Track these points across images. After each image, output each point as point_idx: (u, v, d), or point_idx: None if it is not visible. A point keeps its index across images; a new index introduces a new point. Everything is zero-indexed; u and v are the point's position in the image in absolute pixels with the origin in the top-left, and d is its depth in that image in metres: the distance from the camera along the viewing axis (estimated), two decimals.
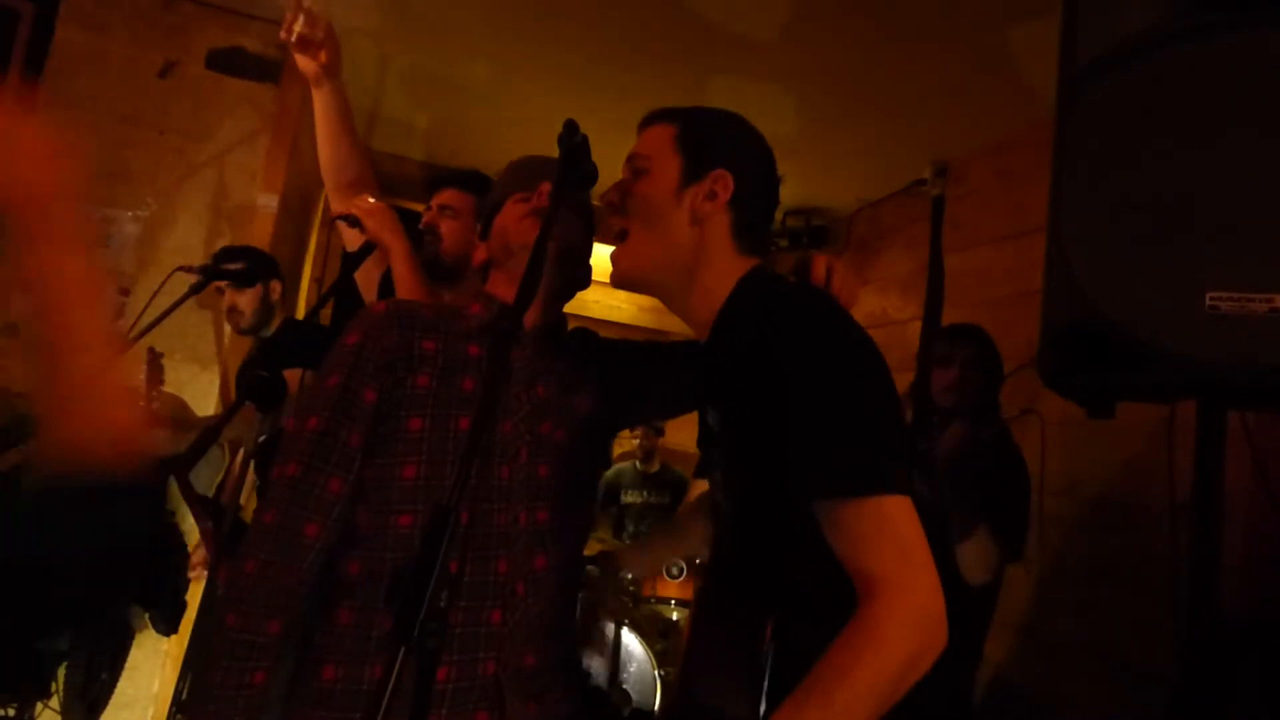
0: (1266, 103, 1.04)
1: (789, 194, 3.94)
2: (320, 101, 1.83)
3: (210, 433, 1.46)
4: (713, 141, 1.11)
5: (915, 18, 2.32)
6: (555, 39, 2.74)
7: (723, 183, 1.09)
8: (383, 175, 3.99)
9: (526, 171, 1.29)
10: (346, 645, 1.07)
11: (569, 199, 1.17)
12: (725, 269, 1.10)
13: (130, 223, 2.58)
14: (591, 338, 1.37)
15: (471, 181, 1.83)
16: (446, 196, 1.80)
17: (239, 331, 2.61)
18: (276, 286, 2.64)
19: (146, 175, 2.62)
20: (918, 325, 2.86)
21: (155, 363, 2.20)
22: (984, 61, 2.47)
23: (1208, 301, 1.03)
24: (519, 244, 1.21)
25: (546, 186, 1.20)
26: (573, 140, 1.06)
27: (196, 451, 1.45)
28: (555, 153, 1.08)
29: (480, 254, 1.30)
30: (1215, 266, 1.04)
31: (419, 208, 1.87)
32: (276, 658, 1.02)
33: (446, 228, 1.75)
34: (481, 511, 1.11)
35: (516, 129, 3.49)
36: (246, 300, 2.50)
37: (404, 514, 1.08)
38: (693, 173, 1.09)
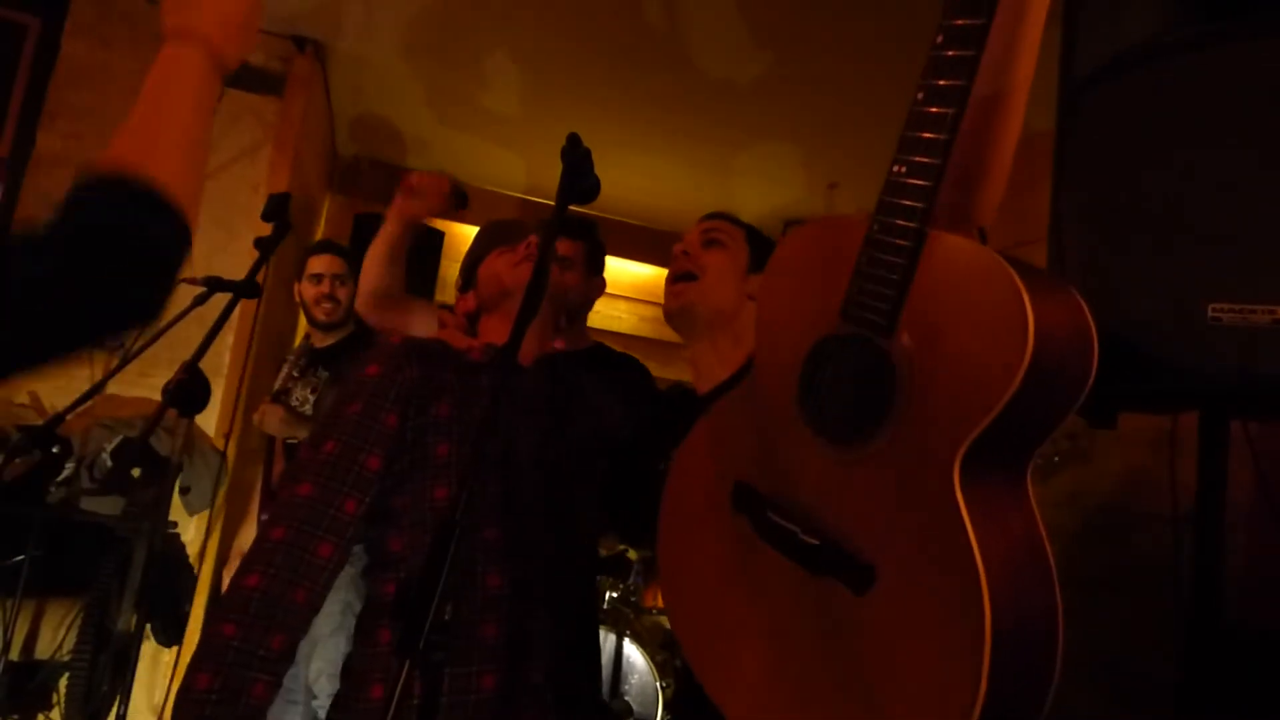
0: (1267, 112, 1.04)
1: (790, 205, 3.96)
2: (400, 235, 1.77)
3: (140, 441, 1.48)
4: (770, 253, 1.34)
5: (914, 26, 2.33)
6: (566, 59, 2.76)
7: None
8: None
9: (505, 230, 1.41)
10: (393, 662, 1.08)
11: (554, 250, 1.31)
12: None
13: None
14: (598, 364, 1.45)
15: (583, 229, 1.85)
16: (563, 247, 1.81)
17: (322, 322, 2.67)
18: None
19: None
20: None
21: None
22: None
23: (1209, 313, 1.03)
24: (515, 285, 1.29)
25: (534, 239, 1.33)
26: (576, 153, 1.07)
27: (126, 462, 1.45)
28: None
29: (469, 303, 1.39)
30: (1216, 277, 1.04)
31: (440, 224, 1.90)
32: (277, 675, 1.00)
33: (571, 279, 1.79)
34: (509, 529, 1.15)
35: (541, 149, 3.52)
36: (344, 292, 2.64)
37: None
38: (756, 265, 1.33)
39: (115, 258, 0.66)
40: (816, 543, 0.79)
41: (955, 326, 0.72)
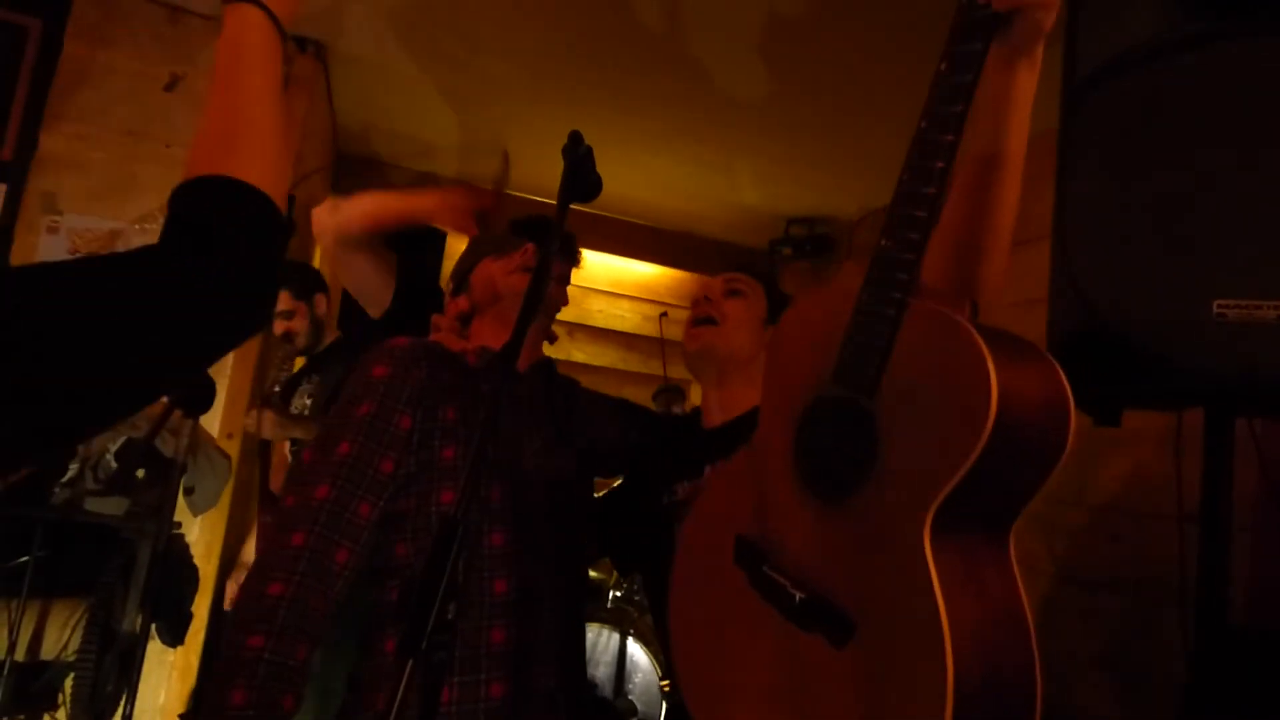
0: (1269, 110, 1.04)
1: (792, 202, 3.95)
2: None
3: (145, 442, 1.48)
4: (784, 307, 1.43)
5: (916, 25, 2.33)
6: (562, 53, 2.76)
7: None
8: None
9: (497, 240, 1.42)
10: (397, 671, 1.06)
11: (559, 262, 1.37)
12: None
13: (137, 235, 2.59)
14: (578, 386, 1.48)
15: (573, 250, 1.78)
16: (558, 267, 1.77)
17: (297, 353, 2.67)
18: (321, 300, 2.67)
19: (154, 188, 2.63)
20: None
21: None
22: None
23: (1215, 310, 1.03)
24: (508, 290, 1.31)
25: (531, 247, 1.35)
26: (578, 151, 1.07)
27: (131, 463, 1.46)
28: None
29: (461, 305, 1.39)
30: (1222, 275, 1.04)
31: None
32: (304, 685, 0.97)
33: (559, 294, 1.75)
34: (514, 534, 1.14)
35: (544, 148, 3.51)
36: (298, 322, 2.58)
37: None
38: (771, 317, 1.43)
39: (210, 266, 0.64)
40: (803, 596, 0.83)
41: (928, 392, 0.76)
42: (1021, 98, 0.88)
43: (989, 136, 0.89)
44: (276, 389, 2.51)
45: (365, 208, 1.60)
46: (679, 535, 1.08)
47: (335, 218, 1.62)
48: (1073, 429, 0.77)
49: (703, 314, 1.41)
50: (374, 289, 1.69)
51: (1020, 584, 0.77)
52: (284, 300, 2.62)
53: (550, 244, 1.00)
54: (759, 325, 1.41)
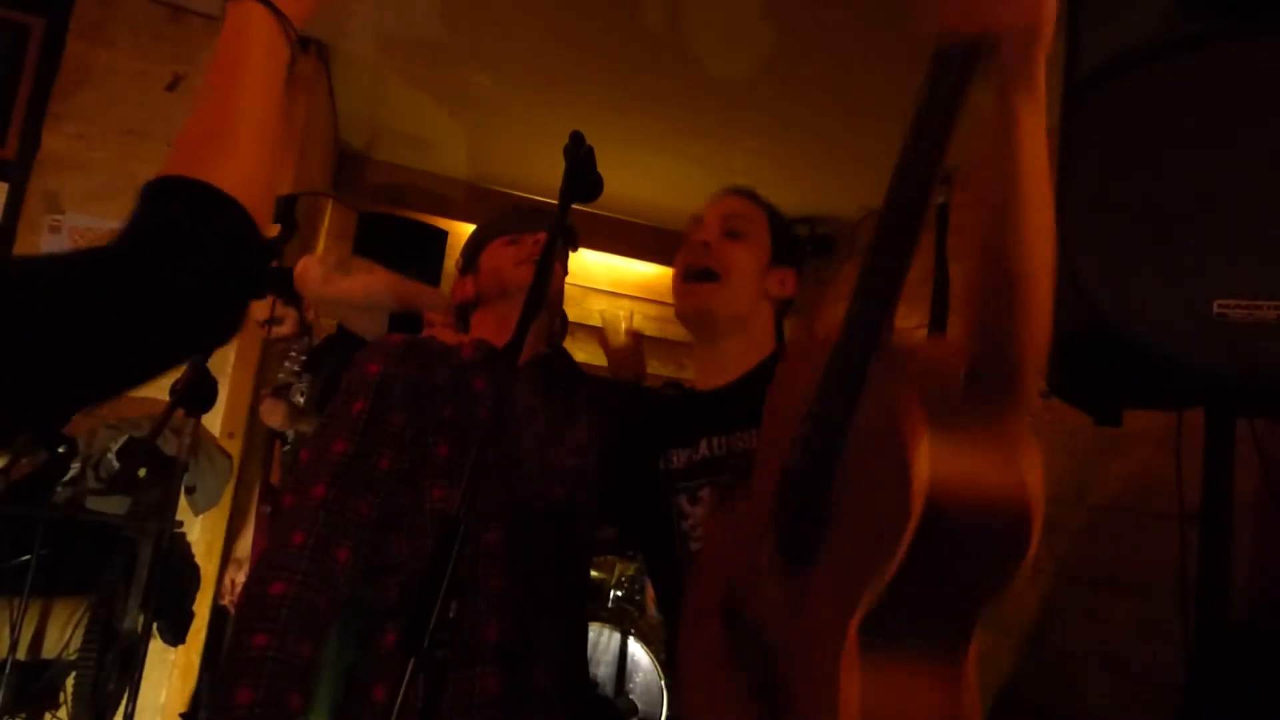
0: (1269, 110, 1.04)
1: (793, 202, 3.95)
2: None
3: (147, 441, 1.49)
4: (791, 244, 1.35)
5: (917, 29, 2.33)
6: (566, 55, 2.76)
7: (791, 282, 1.30)
8: (424, 192, 4.02)
9: (512, 219, 1.39)
10: (396, 665, 1.07)
11: (560, 251, 1.35)
12: (767, 337, 1.28)
13: None
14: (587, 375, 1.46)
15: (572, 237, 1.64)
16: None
17: (303, 350, 2.66)
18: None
19: None
20: (923, 334, 2.86)
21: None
22: (986, 70, 2.47)
23: (1215, 309, 1.03)
24: (515, 286, 1.28)
25: (541, 237, 1.30)
26: (579, 151, 1.07)
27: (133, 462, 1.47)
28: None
29: (467, 289, 1.37)
30: (1223, 274, 1.04)
31: (444, 223, 1.86)
32: (311, 684, 0.98)
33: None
34: (510, 531, 1.14)
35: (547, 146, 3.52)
36: (288, 326, 2.58)
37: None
38: (777, 259, 1.28)
39: (176, 272, 0.61)
40: (753, 659, 0.81)
41: (868, 475, 0.68)
42: (1022, 133, 0.75)
43: (997, 179, 0.77)
44: (287, 381, 2.52)
45: (366, 289, 1.58)
46: (690, 570, 1.06)
47: (332, 290, 1.61)
48: (1036, 530, 0.64)
49: (700, 265, 1.23)
50: (368, 329, 1.71)
51: (971, 698, 0.67)
52: (274, 306, 2.62)
53: (552, 247, 1.00)
54: (762, 272, 1.26)
